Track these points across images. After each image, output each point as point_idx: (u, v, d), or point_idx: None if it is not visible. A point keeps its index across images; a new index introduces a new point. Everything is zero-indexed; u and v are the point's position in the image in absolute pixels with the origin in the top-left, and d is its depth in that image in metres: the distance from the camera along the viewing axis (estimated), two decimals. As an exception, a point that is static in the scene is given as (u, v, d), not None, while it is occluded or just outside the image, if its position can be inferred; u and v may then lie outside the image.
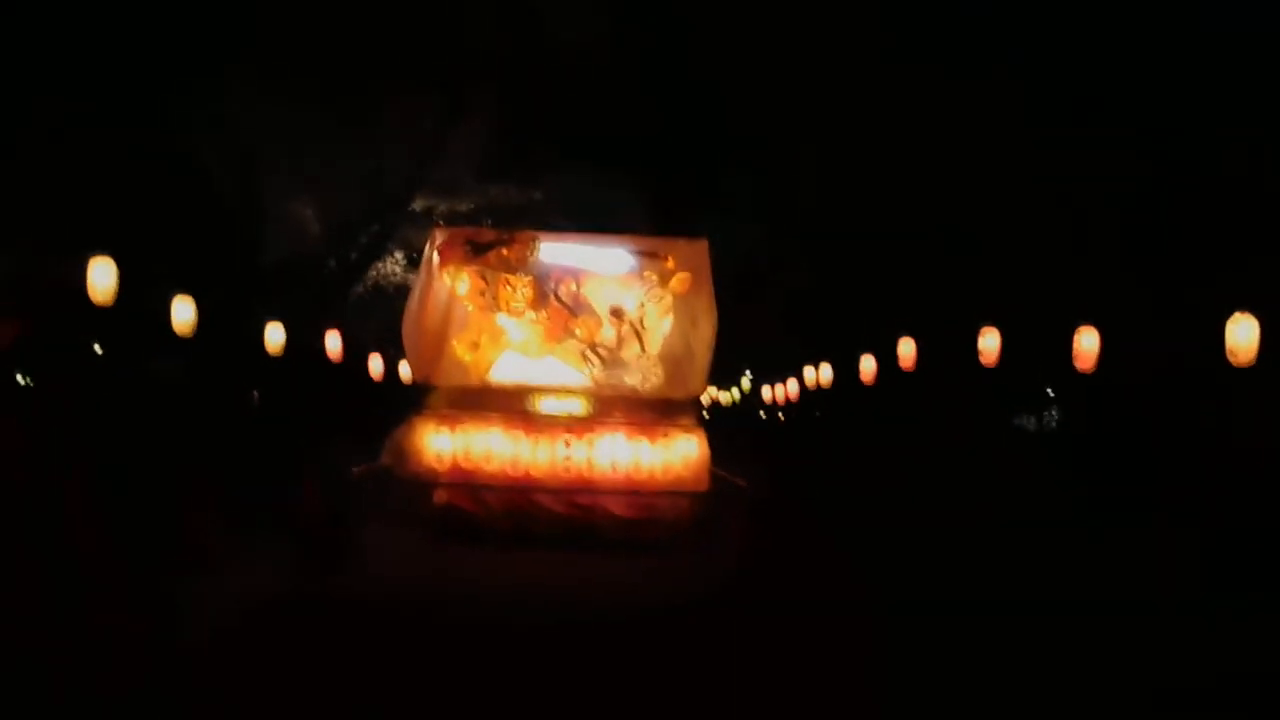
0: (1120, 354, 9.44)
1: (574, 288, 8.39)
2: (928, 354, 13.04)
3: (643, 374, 8.32)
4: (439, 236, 8.54)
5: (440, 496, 7.92)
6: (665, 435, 8.08)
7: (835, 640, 4.89)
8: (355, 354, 15.11)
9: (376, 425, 11.52)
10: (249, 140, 13.38)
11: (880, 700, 4.14)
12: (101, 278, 7.63)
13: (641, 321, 8.35)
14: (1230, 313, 7.18)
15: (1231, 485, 7.35)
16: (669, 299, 8.36)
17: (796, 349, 19.17)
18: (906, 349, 12.13)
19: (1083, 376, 9.23)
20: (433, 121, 14.61)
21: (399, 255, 16.87)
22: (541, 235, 8.81)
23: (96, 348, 13.35)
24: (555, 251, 8.53)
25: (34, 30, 10.35)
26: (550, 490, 7.90)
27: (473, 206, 16.02)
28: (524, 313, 8.31)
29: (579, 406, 8.16)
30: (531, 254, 8.37)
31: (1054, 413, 21.15)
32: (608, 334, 8.36)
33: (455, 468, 7.94)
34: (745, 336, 18.43)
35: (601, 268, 8.47)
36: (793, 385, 19.79)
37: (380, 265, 16.79)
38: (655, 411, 8.17)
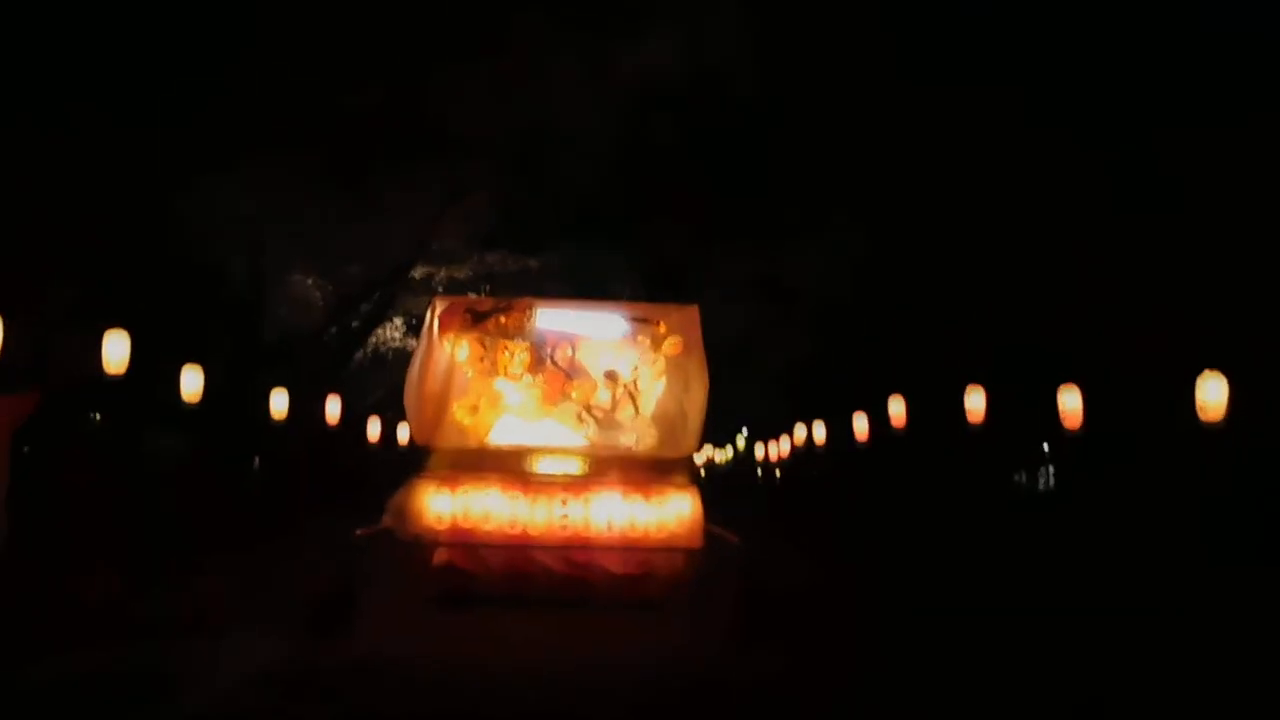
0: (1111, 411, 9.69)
1: (570, 352, 8.65)
2: (920, 412, 13.25)
3: (637, 435, 8.53)
4: (439, 305, 8.80)
5: (440, 556, 8.01)
6: (660, 493, 8.24)
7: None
8: (354, 419, 15.34)
9: (377, 488, 11.72)
10: (252, 214, 13.76)
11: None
12: (115, 350, 7.90)
13: (635, 384, 8.60)
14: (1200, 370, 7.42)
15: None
16: (662, 362, 8.63)
17: (792, 408, 19.41)
18: (897, 408, 12.36)
19: (1073, 435, 9.40)
20: (431, 194, 15.02)
21: (398, 322, 17.25)
22: (538, 302, 9.10)
23: (96, 416, 13.58)
24: (551, 318, 8.81)
25: (46, 111, 10.73)
26: (548, 549, 8.02)
27: (470, 274, 16.44)
28: (522, 377, 8.55)
29: (575, 467, 8.35)
30: (528, 321, 8.65)
31: (1050, 470, 21.33)
32: (603, 396, 8.60)
33: (455, 528, 8.06)
34: (740, 396, 18.73)
35: (596, 333, 8.74)
36: (786, 444, 19.97)
37: (379, 332, 17.13)
38: (650, 471, 8.35)
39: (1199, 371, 7.52)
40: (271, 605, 7.33)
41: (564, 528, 8.08)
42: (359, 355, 17.03)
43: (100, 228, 10.67)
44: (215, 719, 5.02)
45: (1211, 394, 7.33)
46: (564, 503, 8.12)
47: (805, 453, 18.81)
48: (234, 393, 12.78)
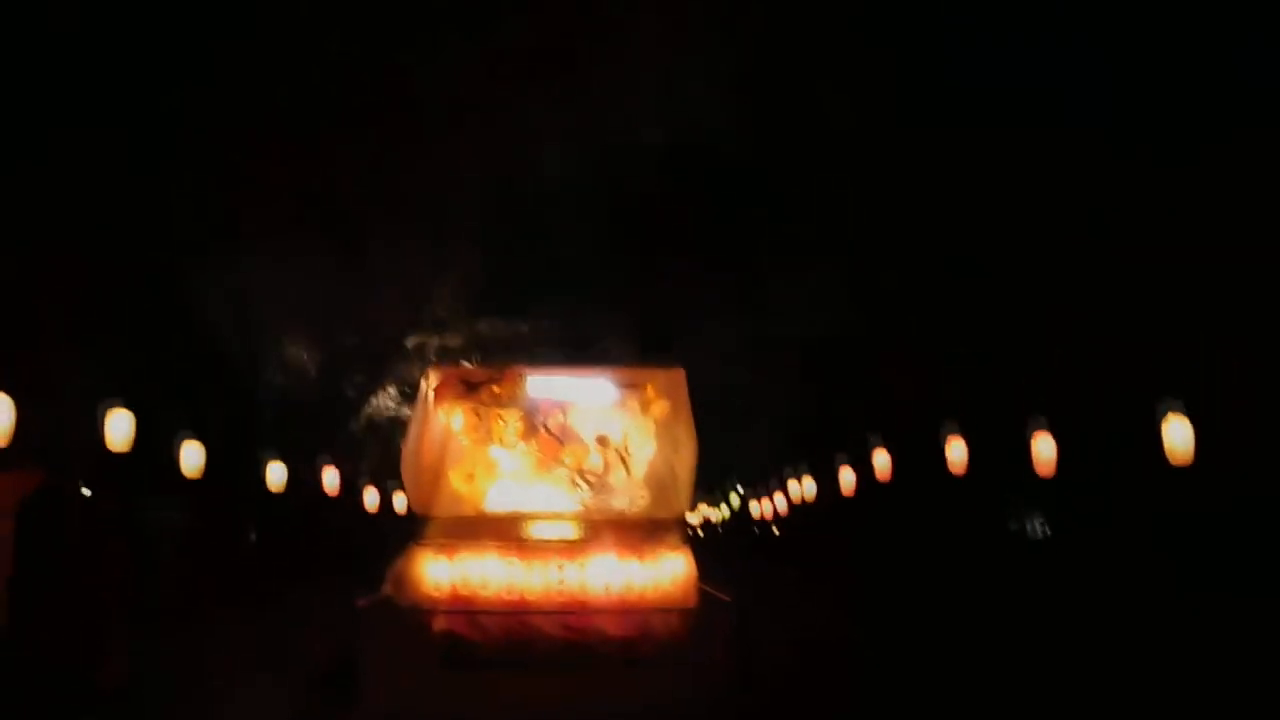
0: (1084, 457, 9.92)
1: (561, 418, 8.92)
2: (907, 462, 13.47)
3: (629, 497, 8.77)
4: (434, 376, 9.04)
5: (440, 624, 8.19)
6: (653, 554, 8.44)
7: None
8: (351, 487, 15.50)
9: (375, 556, 11.85)
10: (249, 287, 14.06)
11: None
12: (119, 427, 8.14)
13: (626, 447, 8.85)
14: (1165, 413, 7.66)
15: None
16: (651, 425, 8.89)
17: (782, 462, 19.59)
18: (881, 460, 12.60)
19: (1047, 482, 9.64)
20: (423, 265, 15.37)
21: (392, 391, 17.51)
22: (529, 370, 9.36)
23: (85, 490, 13.70)
24: (542, 385, 9.07)
25: (41, 182, 10.95)
26: (546, 613, 8.19)
27: (463, 341, 16.74)
28: (515, 444, 8.81)
29: (570, 531, 8.54)
30: (520, 389, 8.92)
31: (1039, 519, 21.47)
32: (595, 461, 8.84)
33: (454, 595, 8.24)
34: (732, 453, 18.93)
35: (586, 398, 9.02)
36: (781, 499, 20.13)
37: (374, 401, 17.37)
38: (643, 532, 8.55)
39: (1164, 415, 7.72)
40: (277, 671, 7.47)
41: (561, 592, 8.27)
42: (354, 424, 17.25)
43: (100, 303, 10.91)
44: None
45: (1178, 437, 7.57)
46: (560, 567, 8.31)
47: (797, 506, 18.98)
48: (231, 464, 12.96)
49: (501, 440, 8.80)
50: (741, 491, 25.83)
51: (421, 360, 16.45)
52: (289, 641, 8.58)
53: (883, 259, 14.61)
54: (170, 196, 12.18)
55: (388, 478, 17.30)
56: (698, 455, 8.90)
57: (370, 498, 16.06)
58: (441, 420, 8.78)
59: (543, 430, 8.88)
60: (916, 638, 9.44)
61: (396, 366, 16.82)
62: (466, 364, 16.00)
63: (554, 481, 8.81)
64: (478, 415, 8.81)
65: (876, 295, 14.89)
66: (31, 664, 6.74)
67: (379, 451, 17.61)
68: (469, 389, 8.90)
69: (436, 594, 8.27)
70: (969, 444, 10.70)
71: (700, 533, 33.09)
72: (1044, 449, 9.02)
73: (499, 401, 8.85)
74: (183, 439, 10.05)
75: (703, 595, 8.56)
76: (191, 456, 9.92)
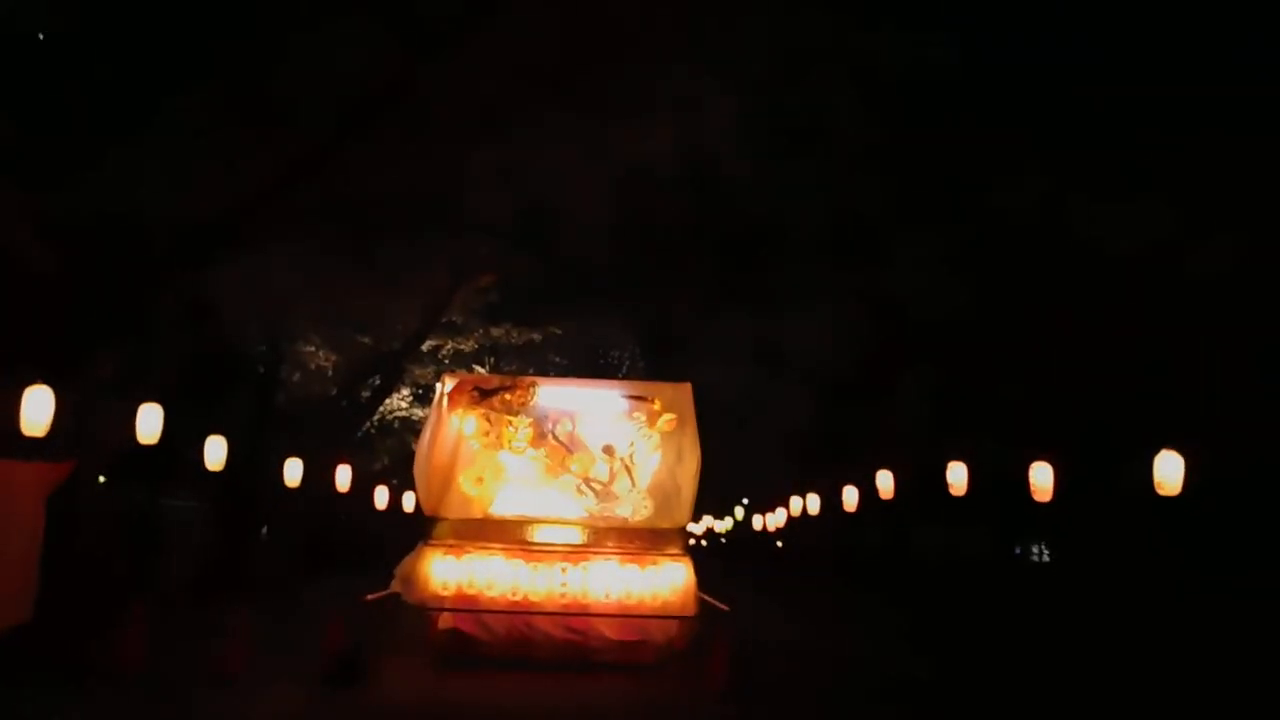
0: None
1: (570, 427, 9.25)
2: (911, 484, 13.63)
3: (633, 506, 9.07)
4: (448, 382, 9.41)
5: (445, 621, 8.50)
6: (655, 563, 8.77)
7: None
8: (363, 485, 15.81)
9: (384, 553, 12.14)
10: (271, 289, 14.37)
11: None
12: (149, 421, 8.46)
13: (632, 458, 9.17)
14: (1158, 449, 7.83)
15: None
16: (656, 438, 9.21)
17: (788, 477, 19.76)
18: (885, 481, 12.78)
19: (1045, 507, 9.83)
20: (440, 271, 15.65)
21: (405, 392, 17.85)
22: (540, 380, 9.73)
23: (101, 479, 14.05)
24: (553, 395, 9.43)
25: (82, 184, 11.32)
26: (548, 615, 8.50)
27: (476, 346, 17.06)
28: (524, 451, 9.14)
29: (575, 536, 8.86)
30: (531, 398, 9.25)
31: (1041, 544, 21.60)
32: (601, 469, 9.16)
33: (459, 594, 8.56)
34: (739, 467, 19.12)
35: (595, 409, 9.35)
36: (783, 514, 20.32)
37: (388, 402, 17.68)
38: (645, 540, 8.88)
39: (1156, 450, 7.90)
40: (287, 661, 7.77)
41: (563, 595, 8.59)
42: (368, 424, 17.56)
43: (133, 302, 11.23)
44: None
45: (1168, 471, 7.73)
46: (564, 570, 8.64)
47: (800, 522, 19.18)
48: (249, 459, 13.27)
49: (511, 446, 9.13)
50: (746, 504, 26.04)
51: (436, 363, 16.81)
52: (299, 632, 8.88)
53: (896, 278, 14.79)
54: (198, 199, 12.49)
55: (398, 477, 17.64)
56: (702, 468, 9.22)
57: (380, 496, 16.36)
58: (454, 424, 9.11)
59: (551, 438, 9.21)
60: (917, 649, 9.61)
61: (411, 368, 17.14)
62: (480, 370, 16.38)
63: (560, 488, 9.12)
64: (489, 421, 9.15)
65: (888, 318, 15.09)
66: (57, 643, 7.08)
67: (391, 450, 17.97)
68: (481, 395, 9.24)
69: (443, 592, 8.59)
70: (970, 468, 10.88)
71: (704, 543, 33.34)
72: (1041, 476, 9.17)
73: (510, 408, 9.18)
74: (208, 433, 10.36)
75: (702, 604, 8.82)
76: (215, 450, 10.24)
